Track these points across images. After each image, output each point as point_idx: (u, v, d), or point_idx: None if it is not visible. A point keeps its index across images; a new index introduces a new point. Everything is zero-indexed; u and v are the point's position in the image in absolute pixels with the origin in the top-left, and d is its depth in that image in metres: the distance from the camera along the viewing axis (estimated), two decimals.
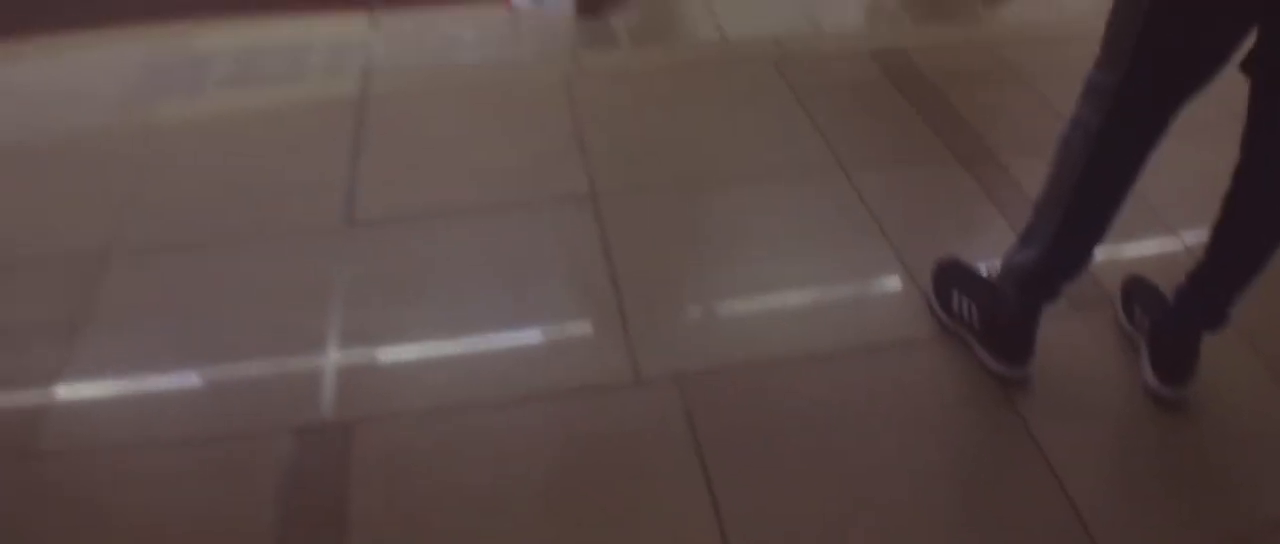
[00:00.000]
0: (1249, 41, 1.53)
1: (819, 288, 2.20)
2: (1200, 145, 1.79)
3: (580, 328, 2.11)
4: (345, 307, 2.14)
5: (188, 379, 2.00)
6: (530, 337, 2.09)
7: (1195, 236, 1.94)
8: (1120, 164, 1.69)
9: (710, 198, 2.50)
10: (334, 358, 2.02)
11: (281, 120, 2.87)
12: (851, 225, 2.37)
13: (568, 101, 2.89)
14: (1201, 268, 1.85)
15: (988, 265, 2.01)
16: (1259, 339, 2.02)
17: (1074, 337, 2.03)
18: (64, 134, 2.85)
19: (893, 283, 2.20)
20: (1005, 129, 2.76)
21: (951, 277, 2.07)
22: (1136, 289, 2.05)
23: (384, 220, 2.41)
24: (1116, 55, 1.59)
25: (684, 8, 3.53)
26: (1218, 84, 1.56)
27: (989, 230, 2.24)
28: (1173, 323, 1.91)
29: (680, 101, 2.94)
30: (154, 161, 2.68)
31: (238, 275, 2.25)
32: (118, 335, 2.09)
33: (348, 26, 3.42)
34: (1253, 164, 1.69)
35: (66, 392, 1.96)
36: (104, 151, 2.75)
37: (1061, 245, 1.79)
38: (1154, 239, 2.31)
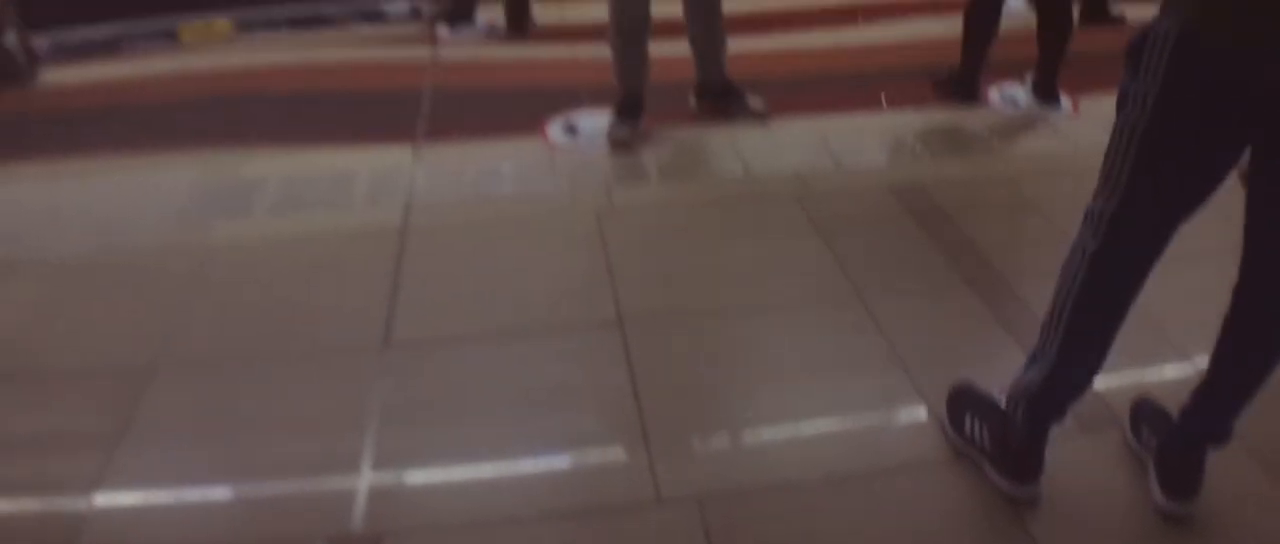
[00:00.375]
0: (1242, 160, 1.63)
1: (836, 412, 2.25)
2: (1213, 271, 1.85)
3: (604, 449, 2.16)
4: (378, 424, 2.22)
5: (224, 491, 2.07)
6: (556, 456, 2.14)
7: (1207, 361, 1.99)
8: (1116, 285, 1.77)
9: (732, 325, 2.57)
10: (366, 473, 2.08)
11: (326, 246, 3.00)
12: (868, 352, 2.44)
13: (599, 233, 3.01)
14: (1204, 385, 1.90)
15: (1000, 389, 2.06)
16: (1263, 452, 2.05)
17: (1083, 457, 2.07)
18: (117, 251, 3.00)
19: (908, 407, 2.25)
20: (1017, 257, 2.84)
21: (964, 401, 2.12)
22: (1145, 410, 2.10)
23: (419, 343, 2.51)
24: (1113, 183, 1.69)
25: (711, 145, 3.68)
26: (1234, 212, 1.64)
27: (1001, 355, 2.30)
28: (1178, 440, 1.95)
29: (705, 234, 3.06)
30: (202, 281, 2.81)
31: (278, 391, 2.34)
32: (158, 447, 2.17)
33: (392, 157, 3.59)
34: (1250, 281, 1.77)
35: (106, 500, 2.03)
36: (155, 269, 2.89)
37: (1064, 365, 1.85)
38: (1168, 364, 2.36)
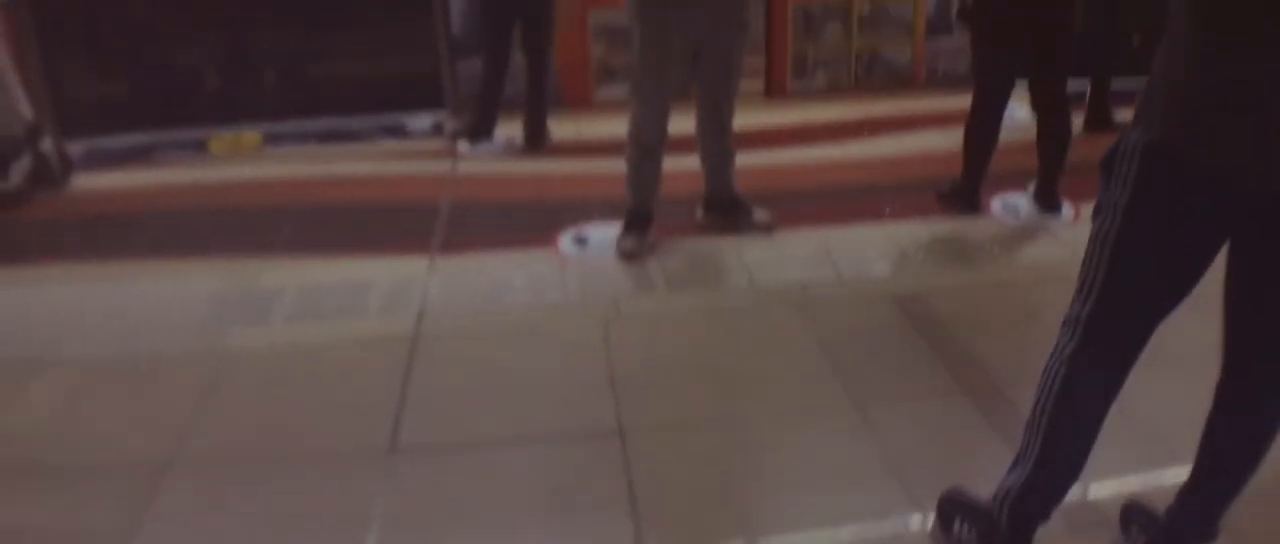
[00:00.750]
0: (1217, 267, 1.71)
1: (832, 523, 2.28)
2: (1207, 373, 1.90)
3: None
4: (381, 528, 2.27)
5: None
6: None
7: None
8: (1094, 387, 1.83)
9: (732, 435, 2.62)
10: None
11: (339, 353, 3.09)
12: (864, 460, 2.47)
13: (604, 342, 3.09)
14: (1190, 483, 1.94)
15: (991, 493, 2.10)
16: None
17: None
18: (139, 353, 3.11)
19: (901, 512, 2.28)
20: (1013, 364, 2.89)
21: (954, 505, 2.15)
22: (1135, 511, 2.13)
23: (424, 448, 2.57)
24: (1088, 289, 1.78)
25: (717, 256, 3.78)
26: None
27: (997, 463, 2.31)
28: (1165, 539, 1.98)
29: (707, 344, 3.13)
30: (218, 385, 2.90)
31: (285, 493, 2.40)
32: None
33: (408, 268, 3.71)
34: (1230, 379, 1.84)
35: None
36: (174, 372, 2.99)
37: (1045, 466, 1.90)
38: (1165, 469, 2.37)
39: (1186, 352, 1.76)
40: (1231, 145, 1.61)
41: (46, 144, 4.74)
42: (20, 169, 4.63)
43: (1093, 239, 1.79)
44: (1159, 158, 1.66)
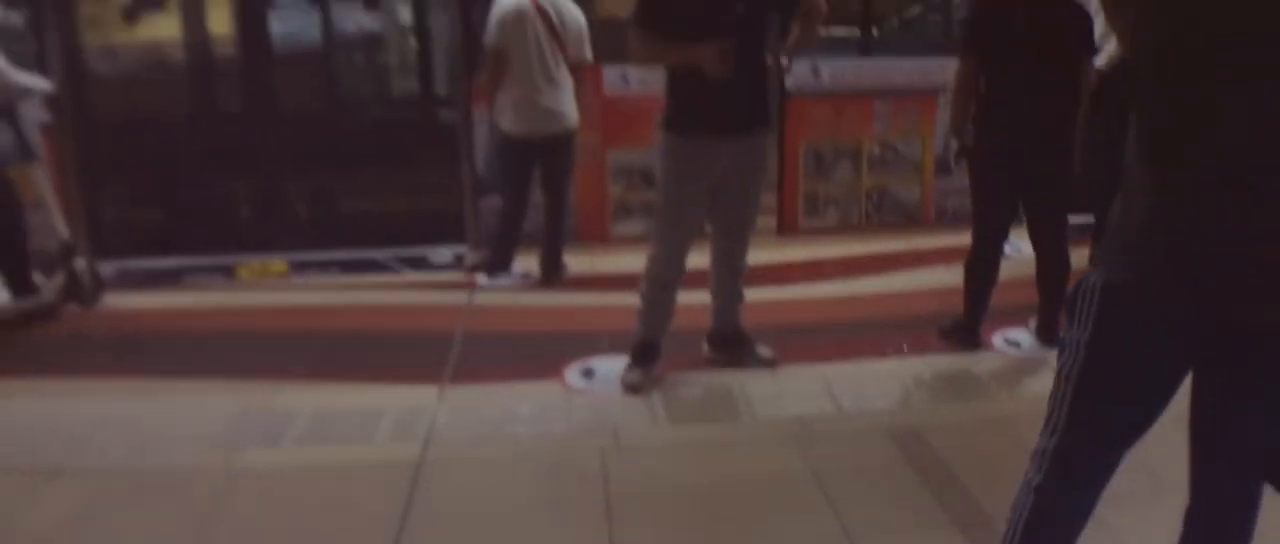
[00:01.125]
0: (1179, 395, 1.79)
1: None
2: (1176, 502, 1.95)
3: None
4: None
5: None
6: None
7: None
8: (1061, 517, 1.91)
9: None
10: None
11: (344, 477, 3.17)
12: None
13: (602, 474, 3.15)
14: None
15: None
16: None
17: None
18: (153, 467, 3.22)
19: None
20: (1007, 498, 2.89)
21: None
22: None
23: None
24: (1054, 422, 1.88)
25: (719, 391, 3.84)
26: None
27: None
28: None
29: (704, 477, 3.19)
30: (225, 502, 2.99)
31: None
32: None
33: (419, 396, 3.80)
34: (1199, 503, 1.90)
35: None
36: (185, 487, 3.10)
37: None
38: None
39: (1170, 480, 1.82)
40: (1181, 280, 1.71)
41: (80, 263, 4.95)
42: (53, 285, 4.85)
43: (1057, 374, 1.88)
44: (1117, 295, 1.77)
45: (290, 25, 6.31)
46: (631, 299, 3.94)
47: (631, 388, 3.83)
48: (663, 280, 3.84)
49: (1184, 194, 1.68)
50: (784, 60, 5.98)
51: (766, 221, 6.24)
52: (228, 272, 5.66)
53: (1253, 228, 1.64)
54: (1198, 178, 1.66)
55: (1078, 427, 1.84)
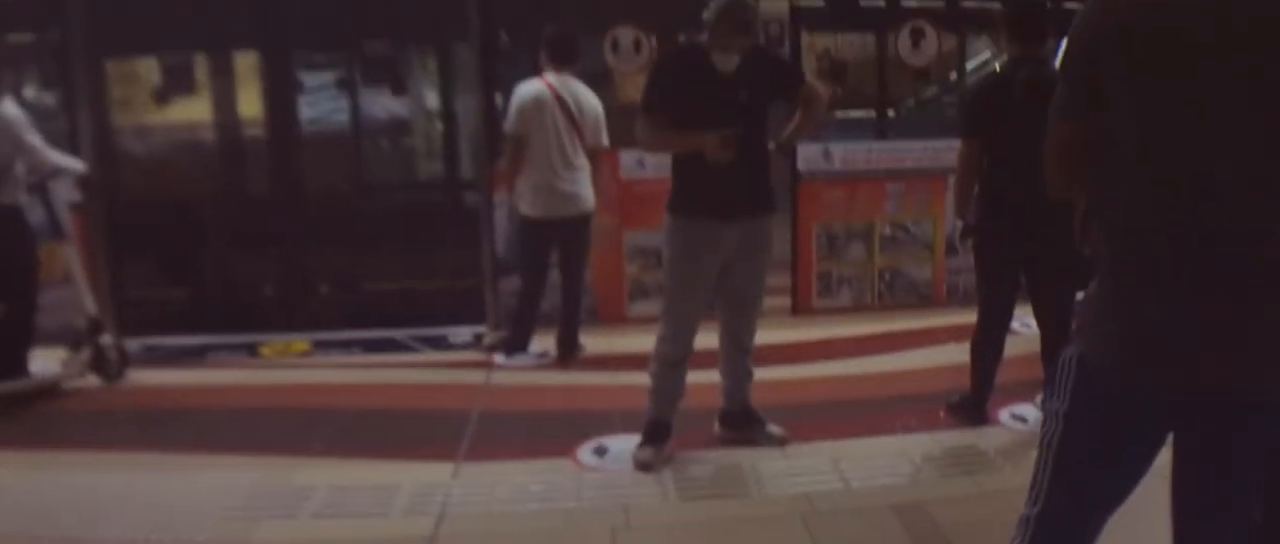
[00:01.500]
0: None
1: None
2: None
3: None
4: None
5: None
6: None
7: None
8: None
9: None
10: None
11: None
12: None
13: None
14: None
15: None
16: None
17: None
18: (171, 540, 3.30)
19: None
20: None
21: None
22: None
23: None
24: (1036, 491, 1.94)
25: (730, 467, 3.90)
26: None
27: None
28: None
29: None
30: None
31: None
32: None
33: (434, 473, 3.88)
34: None
35: None
36: None
37: None
38: None
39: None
40: (1152, 356, 1.79)
41: (106, 338, 5.07)
42: (79, 361, 4.98)
43: (1040, 443, 1.96)
44: (1092, 368, 1.85)
45: (319, 109, 6.54)
46: (645, 378, 4.02)
47: (643, 466, 3.88)
48: (671, 359, 3.91)
49: (1141, 278, 1.76)
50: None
51: (781, 301, 6.35)
52: (250, 349, 5.79)
53: (1204, 311, 1.72)
54: (1149, 262, 1.75)
55: (1058, 494, 1.90)
